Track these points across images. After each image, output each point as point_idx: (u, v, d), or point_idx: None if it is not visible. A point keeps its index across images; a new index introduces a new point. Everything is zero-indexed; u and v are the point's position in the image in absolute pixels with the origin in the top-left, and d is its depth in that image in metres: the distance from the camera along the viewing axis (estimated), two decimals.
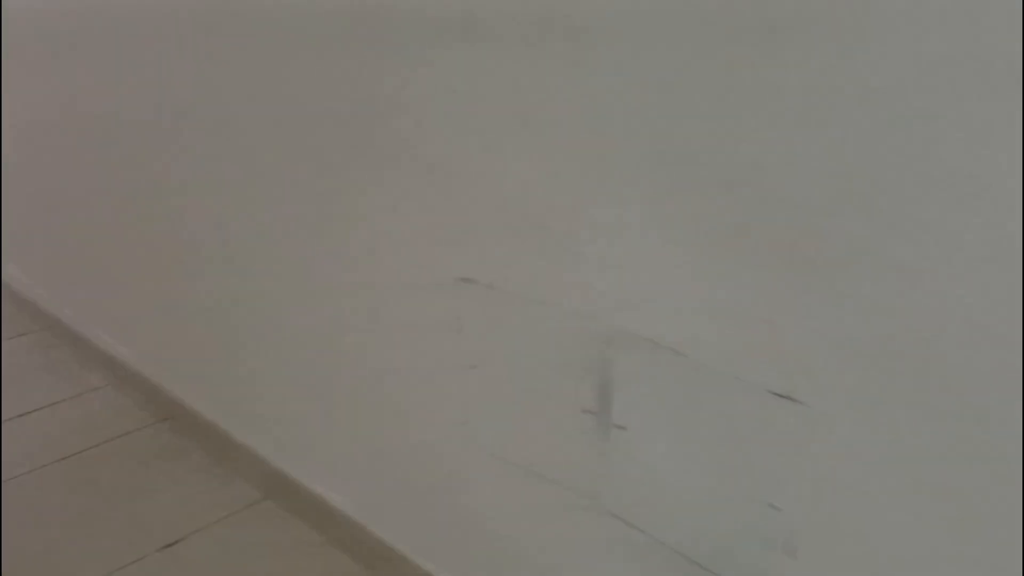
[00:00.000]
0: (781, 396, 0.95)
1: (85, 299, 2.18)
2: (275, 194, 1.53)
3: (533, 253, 1.18)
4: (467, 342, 1.31)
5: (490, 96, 1.15)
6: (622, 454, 1.15)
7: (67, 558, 1.61)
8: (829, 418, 0.92)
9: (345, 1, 1.28)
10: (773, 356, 0.96)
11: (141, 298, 1.96)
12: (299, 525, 1.71)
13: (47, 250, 2.26)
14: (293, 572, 1.60)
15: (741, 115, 0.92)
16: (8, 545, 1.63)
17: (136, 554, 1.62)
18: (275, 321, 1.63)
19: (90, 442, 1.92)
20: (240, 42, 1.49)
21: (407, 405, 1.44)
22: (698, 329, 1.02)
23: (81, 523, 1.70)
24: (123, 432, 1.96)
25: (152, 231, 1.84)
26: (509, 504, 1.33)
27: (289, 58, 1.41)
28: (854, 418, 0.91)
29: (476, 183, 1.21)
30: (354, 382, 1.52)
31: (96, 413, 2.03)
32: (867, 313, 0.87)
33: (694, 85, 0.95)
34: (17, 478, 1.80)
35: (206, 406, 1.89)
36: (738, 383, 0.99)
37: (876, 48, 0.81)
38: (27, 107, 2.09)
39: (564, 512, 1.25)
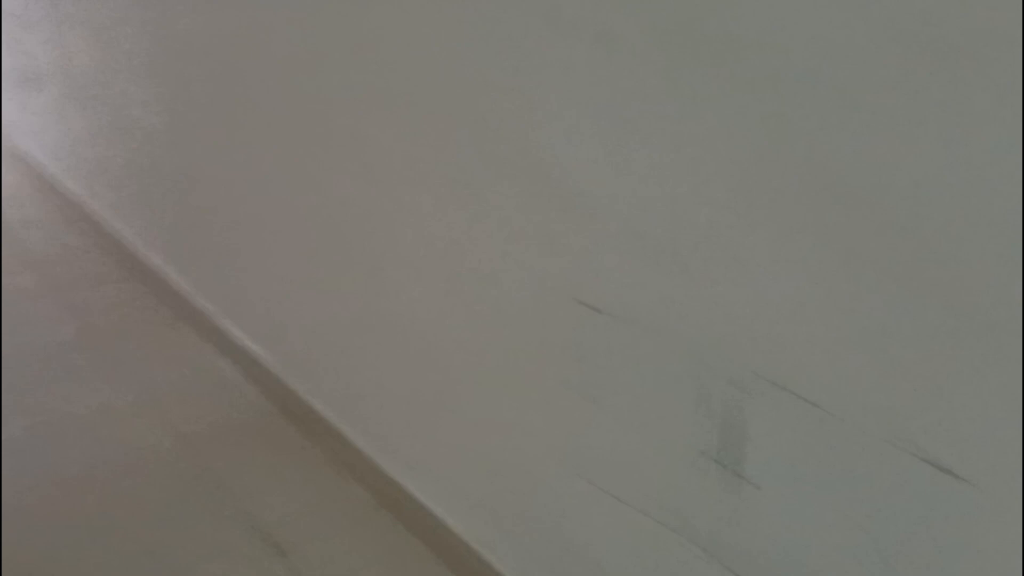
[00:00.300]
0: (942, 470, 0.81)
1: (223, 290, 2.23)
2: (392, 195, 1.49)
3: (658, 280, 1.08)
4: (584, 370, 1.22)
5: (625, 108, 1.06)
6: (746, 509, 1.04)
7: (176, 548, 1.64)
8: (1002, 503, 0.78)
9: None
10: (933, 421, 0.82)
11: (271, 291, 1.98)
12: (409, 538, 1.68)
13: (194, 241, 2.32)
14: None
15: (901, 143, 0.79)
16: (121, 529, 1.67)
17: (246, 553, 1.63)
18: (396, 330, 1.60)
19: (214, 431, 1.95)
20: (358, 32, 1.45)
21: (522, 429, 1.37)
22: (841, 380, 0.90)
23: (195, 515, 1.72)
24: (248, 423, 1.99)
25: (287, 225, 1.84)
26: (622, 544, 1.24)
27: (413, 42, 1.36)
28: None
29: (602, 200, 1.12)
30: (469, 401, 1.46)
31: (225, 403, 2.07)
32: None
33: (849, 109, 0.83)
34: (139, 463, 1.84)
35: (326, 405, 1.88)
36: (888, 448, 0.86)
37: None
38: (181, 86, 2.14)
39: (678, 562, 1.14)
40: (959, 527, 0.82)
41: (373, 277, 1.61)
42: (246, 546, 1.64)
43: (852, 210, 0.85)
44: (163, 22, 2.10)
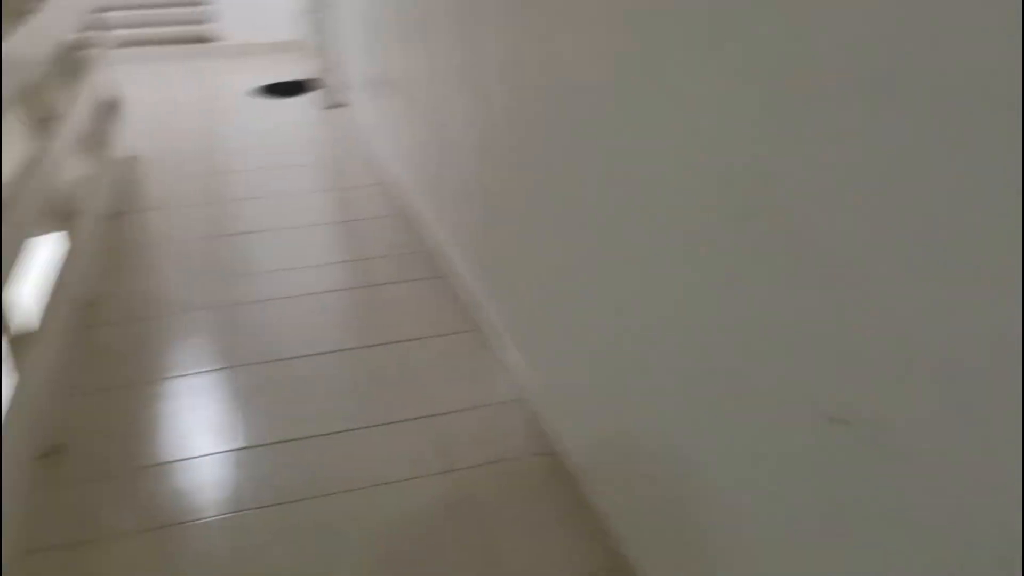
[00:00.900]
0: None
1: (508, 308, 2.21)
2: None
3: (935, 398, 0.82)
4: (834, 496, 0.98)
5: (903, 183, 0.81)
6: None
7: None
8: None
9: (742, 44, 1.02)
10: None
11: (549, 317, 1.90)
12: None
13: (491, 251, 2.31)
14: None
15: None
16: (356, 549, 1.69)
17: None
18: (648, 413, 1.44)
19: (470, 461, 1.92)
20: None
21: (766, 549, 1.15)
22: None
23: (433, 548, 1.70)
24: (503, 457, 1.93)
25: (566, 265, 1.74)
26: None
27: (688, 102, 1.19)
28: None
29: (869, 293, 0.88)
30: (716, 501, 1.27)
31: (489, 430, 2.03)
32: None
33: None
34: (399, 483, 1.86)
35: (577, 453, 1.77)
36: None
37: None
38: (488, 106, 2.14)
39: None
40: None
41: (645, 349, 1.47)
42: None
43: None
44: (476, 43, 2.11)
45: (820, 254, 0.94)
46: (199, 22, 6.21)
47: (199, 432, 2.04)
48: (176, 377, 2.27)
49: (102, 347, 2.42)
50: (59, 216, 2.52)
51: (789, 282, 1.00)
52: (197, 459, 1.94)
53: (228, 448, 1.97)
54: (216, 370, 2.29)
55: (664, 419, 1.38)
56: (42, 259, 2.34)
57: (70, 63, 3.15)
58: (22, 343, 1.88)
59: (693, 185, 1.19)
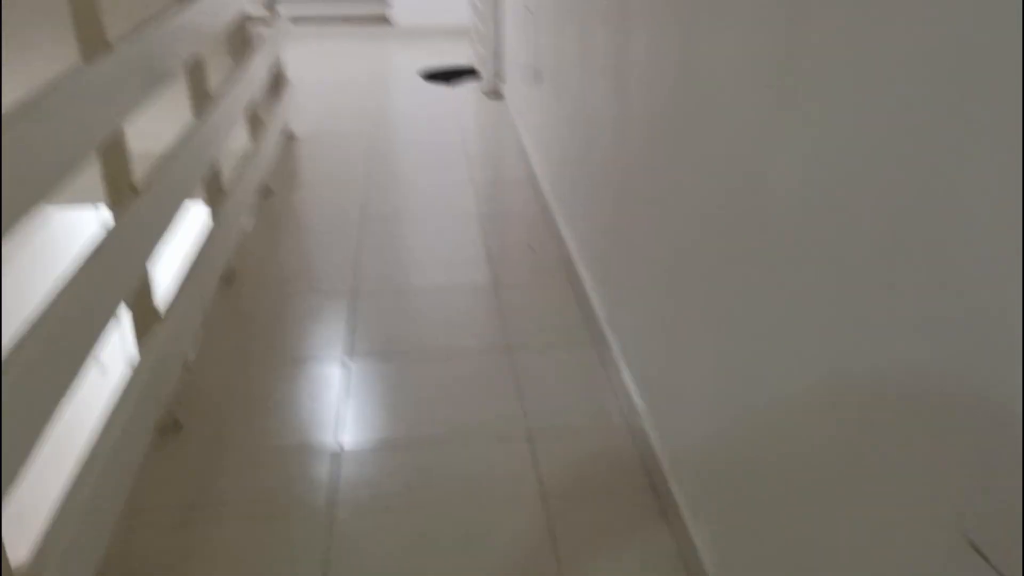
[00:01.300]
0: None
1: (624, 325, 2.10)
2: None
3: None
4: None
5: None
6: None
7: None
8: None
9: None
10: None
11: (663, 341, 1.77)
12: None
13: (615, 264, 2.20)
14: None
15: None
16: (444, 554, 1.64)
17: None
18: (774, 478, 1.30)
19: (566, 488, 1.82)
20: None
21: None
22: None
23: (512, 558, 1.62)
24: (602, 489, 1.82)
25: (701, 278, 1.60)
26: None
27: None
28: None
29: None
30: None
31: (592, 456, 1.93)
32: None
33: None
34: (491, 504, 1.79)
35: (686, 494, 1.64)
36: None
37: None
38: (629, 102, 2.03)
39: None
40: None
41: (767, 388, 1.33)
42: None
43: None
44: (621, 39, 2.00)
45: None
46: (375, 1, 6.36)
47: (311, 420, 2.04)
48: (299, 360, 2.29)
49: (233, 324, 2.48)
50: (209, 190, 2.59)
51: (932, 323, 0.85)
52: (303, 447, 1.94)
53: (334, 441, 1.96)
54: (337, 358, 2.29)
55: (787, 467, 1.24)
56: (187, 232, 2.41)
57: (241, 38, 3.25)
58: (152, 316, 1.93)
59: (824, 204, 1.05)
